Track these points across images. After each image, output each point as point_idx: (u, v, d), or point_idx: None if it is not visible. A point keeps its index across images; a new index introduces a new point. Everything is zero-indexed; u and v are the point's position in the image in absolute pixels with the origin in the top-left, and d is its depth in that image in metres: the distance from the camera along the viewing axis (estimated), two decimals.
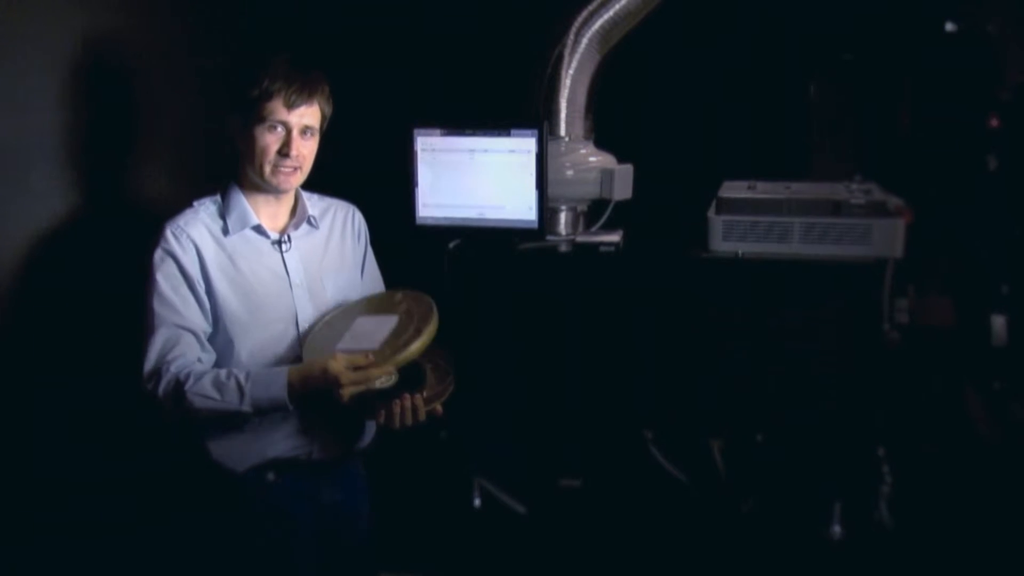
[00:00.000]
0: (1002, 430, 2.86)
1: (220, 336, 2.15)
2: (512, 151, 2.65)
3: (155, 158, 2.71)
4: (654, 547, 2.67)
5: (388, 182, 2.74)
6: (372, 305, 2.30)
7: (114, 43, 2.56)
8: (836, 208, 2.51)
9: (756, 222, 2.55)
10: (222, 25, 2.98)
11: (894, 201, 2.51)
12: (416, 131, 2.72)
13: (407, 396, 2.11)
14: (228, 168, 2.24)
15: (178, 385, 2.03)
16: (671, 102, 3.29)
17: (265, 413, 2.08)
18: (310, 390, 2.05)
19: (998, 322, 2.89)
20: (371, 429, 2.40)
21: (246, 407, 2.03)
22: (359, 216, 2.43)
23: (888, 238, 2.47)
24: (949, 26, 3.01)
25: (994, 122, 2.97)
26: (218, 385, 2.04)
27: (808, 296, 2.50)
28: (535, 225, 2.66)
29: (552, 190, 2.69)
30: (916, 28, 3.06)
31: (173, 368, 2.06)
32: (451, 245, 2.76)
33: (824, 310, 2.49)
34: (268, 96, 2.10)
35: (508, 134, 2.65)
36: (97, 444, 2.50)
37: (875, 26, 3.10)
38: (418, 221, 2.76)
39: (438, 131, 2.71)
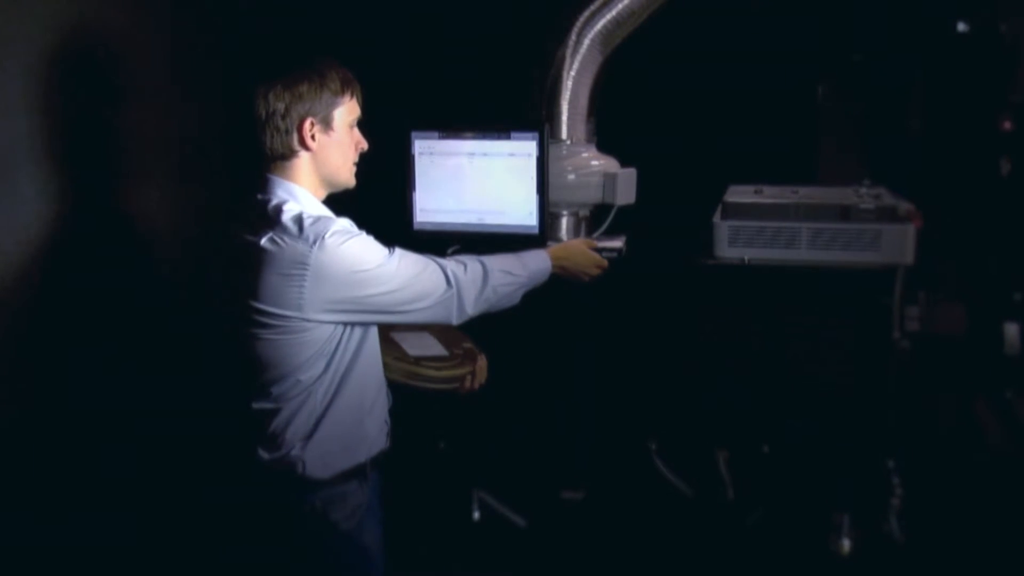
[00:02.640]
0: (1014, 440, 2.85)
1: (361, 330, 2.12)
2: (512, 154, 2.65)
3: (144, 160, 2.70)
4: (658, 561, 2.66)
5: (384, 186, 2.73)
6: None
7: (102, 44, 2.55)
8: (845, 213, 2.50)
9: (763, 228, 2.54)
10: (212, 25, 2.97)
11: (904, 206, 2.50)
12: (413, 134, 2.72)
13: (480, 357, 2.35)
14: (241, 168, 2.20)
15: (484, 272, 2.18)
16: (675, 104, 3.28)
17: (532, 287, 2.29)
18: (568, 263, 2.37)
19: (1011, 330, 2.89)
20: None
21: (525, 278, 2.25)
22: None
23: (898, 244, 2.46)
24: (961, 27, 3.01)
25: (1007, 125, 2.96)
26: (502, 264, 2.22)
27: (816, 303, 2.49)
28: (536, 231, 2.66)
29: (553, 195, 2.68)
30: (927, 29, 3.06)
31: (455, 265, 2.16)
32: (449, 251, 2.75)
33: (833, 318, 2.48)
34: (353, 93, 2.12)
35: (508, 137, 2.64)
36: (103, 456, 2.50)
37: (885, 26, 3.09)
38: (415, 227, 2.75)
39: (436, 134, 2.71)
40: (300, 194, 2.10)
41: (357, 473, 2.16)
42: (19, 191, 2.33)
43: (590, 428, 2.72)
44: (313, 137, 2.08)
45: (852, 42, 3.18)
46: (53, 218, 2.42)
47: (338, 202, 2.42)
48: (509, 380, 2.73)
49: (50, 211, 2.42)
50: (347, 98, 2.10)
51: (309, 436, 2.10)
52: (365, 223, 2.45)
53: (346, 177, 2.17)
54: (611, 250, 2.65)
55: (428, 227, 2.74)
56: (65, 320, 2.45)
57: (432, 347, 2.38)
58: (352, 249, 2.01)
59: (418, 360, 2.33)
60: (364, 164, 2.55)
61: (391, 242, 2.53)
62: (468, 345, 2.43)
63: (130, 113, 2.66)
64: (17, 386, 2.35)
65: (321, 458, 2.11)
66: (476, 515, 2.79)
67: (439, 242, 2.74)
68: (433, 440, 2.76)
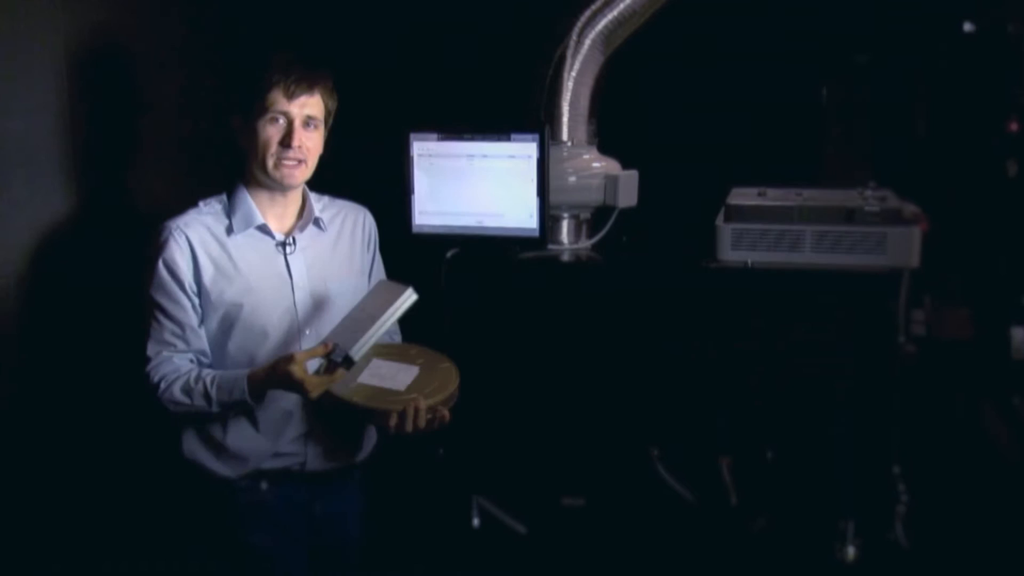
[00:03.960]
0: (1022, 446, 2.84)
1: (218, 337, 2.20)
2: (512, 156, 2.63)
3: (143, 162, 2.70)
4: (661, 569, 2.65)
5: (383, 189, 2.72)
6: (386, 351, 2.34)
7: (100, 43, 2.54)
8: (849, 216, 2.49)
9: (766, 230, 2.53)
10: (213, 25, 2.96)
11: (910, 208, 2.49)
12: (412, 135, 2.70)
13: (415, 400, 2.15)
14: (230, 168, 2.26)
15: (153, 390, 2.15)
16: (678, 105, 3.27)
17: (233, 413, 2.19)
18: (275, 389, 2.15)
19: (1018, 334, 2.88)
20: (369, 442, 2.42)
21: (215, 409, 2.14)
22: (370, 220, 2.47)
23: (904, 247, 2.45)
24: (967, 26, 3.00)
25: (1013, 126, 2.96)
26: (187, 390, 2.14)
27: (820, 307, 2.48)
28: (536, 234, 2.64)
29: (554, 197, 2.67)
30: (933, 28, 3.05)
31: (155, 373, 2.17)
32: (449, 254, 2.74)
33: (837, 322, 2.47)
34: (268, 87, 2.14)
35: (508, 139, 2.63)
36: (84, 451, 2.49)
37: (890, 26, 3.08)
38: (414, 230, 2.74)
39: (435, 135, 2.69)
40: (238, 189, 2.23)
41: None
42: (14, 195, 2.33)
43: (590, 435, 2.70)
44: (239, 131, 2.19)
45: (857, 42, 3.17)
46: (49, 222, 2.42)
47: None
48: (508, 385, 2.73)
49: (46, 215, 2.42)
50: (265, 91, 2.13)
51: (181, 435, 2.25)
52: None
53: (264, 172, 2.19)
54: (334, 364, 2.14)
55: (427, 230, 2.73)
56: (59, 324, 2.44)
57: (396, 380, 2.23)
58: (151, 250, 2.16)
59: (361, 388, 2.20)
60: (362, 166, 2.56)
61: (388, 247, 2.53)
62: (434, 387, 2.24)
63: (131, 114, 2.65)
64: (14, 388, 2.36)
65: (192, 453, 2.25)
66: (476, 522, 2.78)
67: (438, 245, 2.73)
68: (432, 446, 2.75)
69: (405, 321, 2.43)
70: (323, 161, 2.31)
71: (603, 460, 2.71)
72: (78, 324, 2.48)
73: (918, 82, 3.15)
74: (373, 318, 2.16)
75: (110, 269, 2.49)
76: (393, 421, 2.14)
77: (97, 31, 2.53)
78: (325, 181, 2.39)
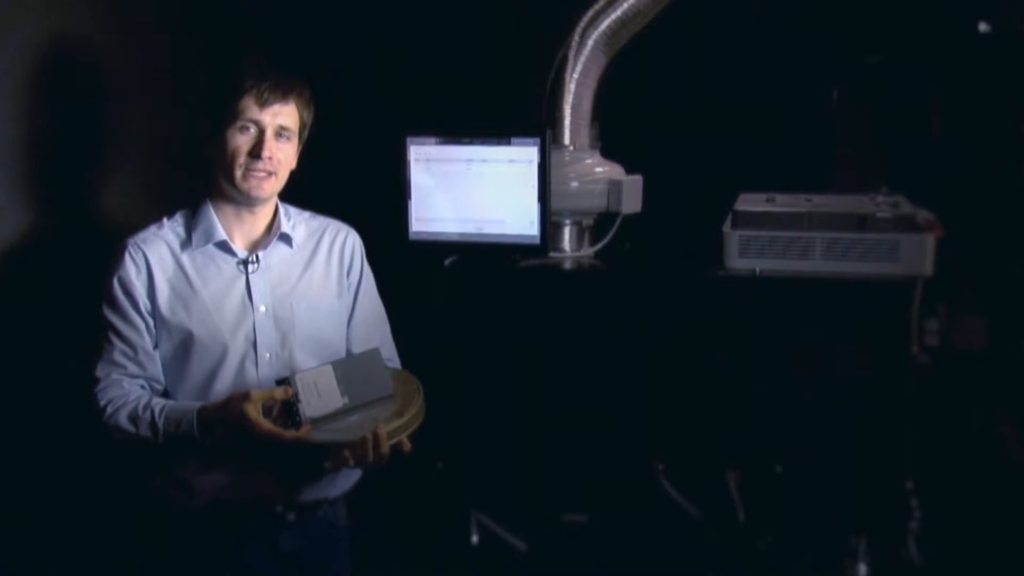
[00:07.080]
0: None
1: (173, 359, 2.15)
2: (512, 161, 2.63)
3: (123, 169, 2.69)
4: None
5: (379, 194, 2.71)
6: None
7: (78, 46, 2.53)
8: (861, 222, 2.48)
9: (775, 237, 2.52)
10: (200, 27, 2.95)
11: (923, 215, 2.48)
12: (409, 139, 2.69)
13: (379, 427, 2.05)
14: (202, 180, 2.22)
15: (99, 413, 2.11)
16: (683, 108, 3.27)
17: (180, 446, 2.10)
18: (226, 428, 2.05)
19: None
20: (353, 474, 2.35)
21: (161, 441, 2.08)
22: (352, 240, 2.35)
23: (917, 254, 2.44)
24: (982, 27, 3.00)
25: None
26: (133, 418, 2.09)
27: (831, 317, 2.47)
28: (537, 241, 2.64)
29: (555, 203, 2.67)
30: (947, 29, 3.05)
31: (102, 396, 2.12)
32: (447, 262, 2.73)
33: (848, 332, 2.46)
34: (239, 93, 2.08)
35: (508, 143, 2.62)
36: (50, 473, 2.48)
37: (903, 26, 3.08)
38: (411, 236, 2.73)
39: (433, 139, 2.69)
40: (202, 202, 2.19)
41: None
42: None
43: (593, 449, 2.69)
44: (207, 139, 2.14)
45: (868, 43, 3.16)
46: (29, 228, 2.41)
47: (335, 210, 2.40)
48: (508, 396, 2.71)
49: (26, 221, 2.41)
50: (236, 98, 2.08)
51: None
52: (360, 233, 2.44)
53: (231, 183, 2.14)
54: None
55: (425, 237, 2.72)
56: (40, 333, 2.43)
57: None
58: (111, 267, 2.13)
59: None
60: (357, 171, 2.53)
61: (384, 255, 2.52)
62: (390, 414, 2.13)
63: (111, 119, 2.64)
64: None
65: (153, 481, 2.22)
66: (475, 538, 2.77)
67: (436, 253, 2.72)
68: (430, 460, 2.74)
69: (401, 332, 2.42)
70: (317, 165, 2.30)
71: (606, 474, 2.70)
72: (62, 333, 2.46)
73: (932, 84, 3.15)
74: (347, 403, 2.11)
75: (92, 278, 2.48)
76: (347, 455, 2.06)
77: (74, 37, 2.51)
78: (319, 186, 2.37)
